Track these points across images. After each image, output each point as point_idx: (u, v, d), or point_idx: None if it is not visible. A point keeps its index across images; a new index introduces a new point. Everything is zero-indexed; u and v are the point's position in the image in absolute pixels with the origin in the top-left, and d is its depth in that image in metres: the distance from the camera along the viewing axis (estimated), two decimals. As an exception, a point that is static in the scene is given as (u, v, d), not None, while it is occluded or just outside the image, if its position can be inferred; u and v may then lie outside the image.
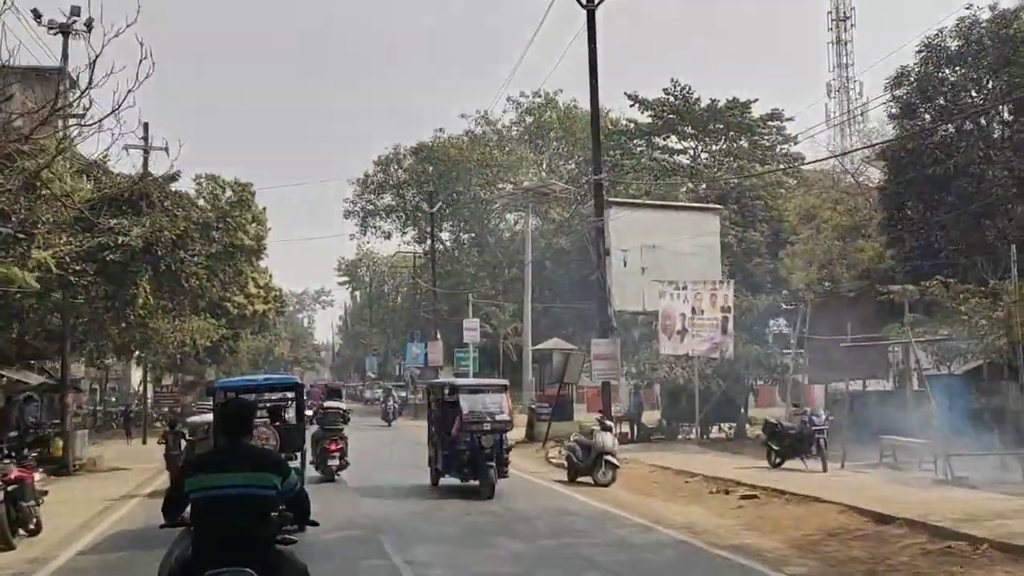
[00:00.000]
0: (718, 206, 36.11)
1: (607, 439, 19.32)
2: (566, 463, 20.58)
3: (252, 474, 5.40)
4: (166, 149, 34.49)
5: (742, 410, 28.95)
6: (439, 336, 52.69)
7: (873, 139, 34.07)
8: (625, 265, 32.80)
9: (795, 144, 66.77)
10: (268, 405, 16.21)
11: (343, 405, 23.56)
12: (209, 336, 39.89)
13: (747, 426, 28.69)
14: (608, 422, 20.26)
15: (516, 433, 23.88)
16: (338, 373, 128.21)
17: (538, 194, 42.35)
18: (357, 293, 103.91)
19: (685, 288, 27.21)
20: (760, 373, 28.43)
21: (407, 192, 66.89)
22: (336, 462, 20.31)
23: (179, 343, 36.67)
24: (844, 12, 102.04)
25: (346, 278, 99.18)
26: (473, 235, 63.16)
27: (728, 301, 25.91)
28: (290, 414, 16.66)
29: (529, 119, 63.69)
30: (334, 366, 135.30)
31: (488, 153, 60.93)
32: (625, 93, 60.94)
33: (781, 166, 54.56)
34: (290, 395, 16.56)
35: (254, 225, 47.84)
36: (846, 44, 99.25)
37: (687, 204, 37.29)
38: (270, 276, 49.42)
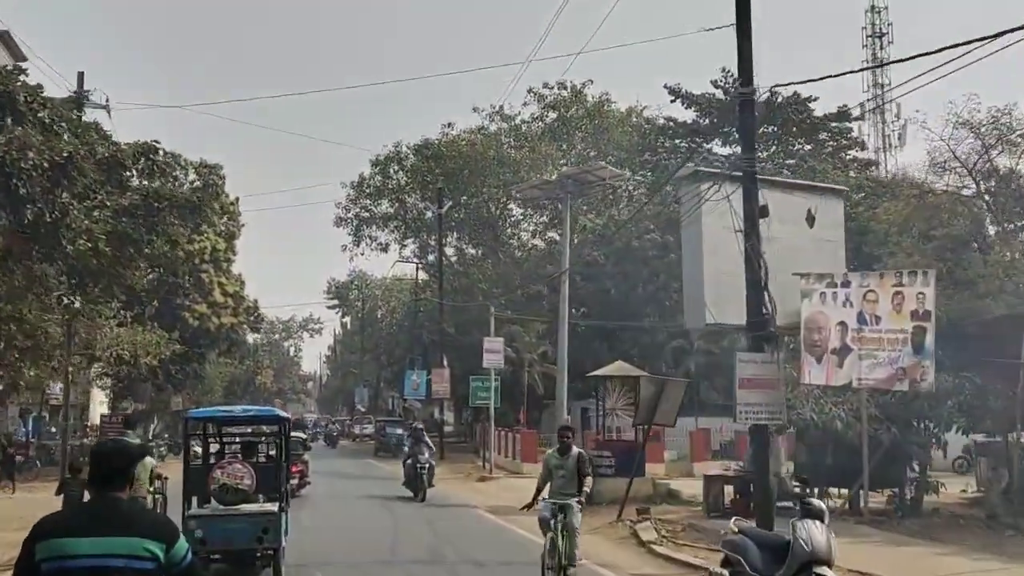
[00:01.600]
0: (842, 187, 27.34)
1: (815, 534, 10.08)
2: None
3: (123, 539, 4.14)
4: (106, 107, 25.54)
5: (912, 469, 19.68)
6: (445, 362, 43.54)
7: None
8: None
9: (862, 150, 58.54)
10: (240, 440, 14.99)
11: (304, 435, 28.99)
12: (155, 352, 30.64)
13: (926, 493, 19.46)
14: (816, 501, 10.86)
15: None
16: (325, 406, 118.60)
17: (579, 182, 33.38)
18: (347, 319, 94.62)
19: (847, 285, 18.14)
20: (954, 416, 19.05)
21: (409, 197, 58.00)
22: (296, 481, 22.59)
23: (113, 357, 27.51)
24: (880, 28, 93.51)
25: (335, 301, 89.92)
26: (484, 248, 54.12)
27: (927, 303, 16.77)
28: (268, 450, 15.56)
29: (552, 114, 54.98)
30: (321, 398, 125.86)
31: (505, 151, 52.16)
32: (666, 86, 52.47)
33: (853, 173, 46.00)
34: (273, 429, 15.12)
35: (223, 220, 38.97)
36: (882, 63, 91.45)
37: (807, 183, 28.41)
38: (241, 284, 40.34)
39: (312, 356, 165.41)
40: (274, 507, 12.40)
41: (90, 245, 15.39)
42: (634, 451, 23.60)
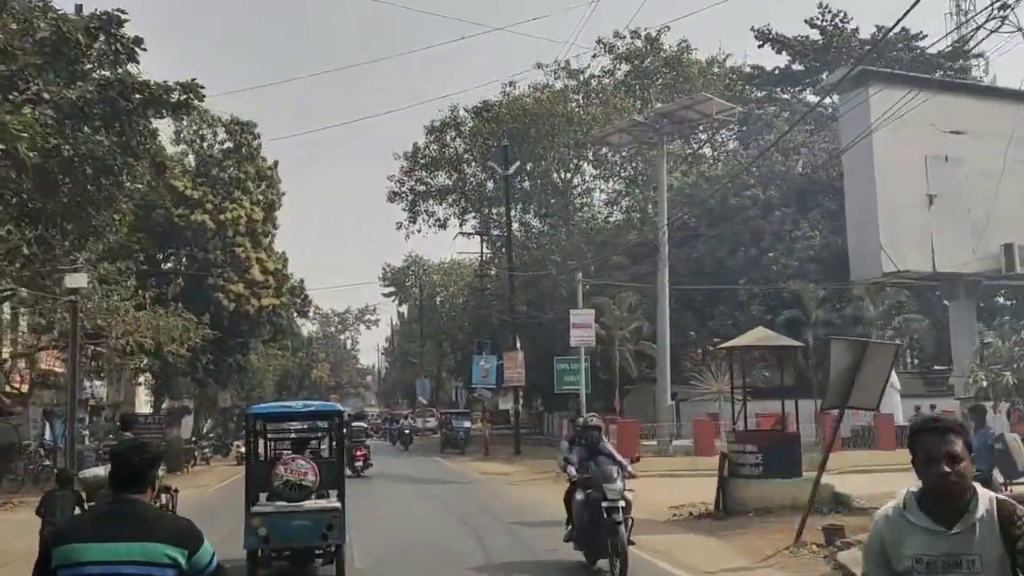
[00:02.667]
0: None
1: None
2: None
3: (139, 545, 3.92)
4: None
5: None
6: (519, 344, 38.16)
7: None
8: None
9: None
10: (294, 436, 14.48)
11: (365, 424, 36.41)
12: (182, 338, 25.69)
13: None
14: None
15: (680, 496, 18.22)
16: (384, 399, 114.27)
17: (676, 120, 27.72)
18: (405, 308, 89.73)
19: None
20: None
21: (468, 167, 52.72)
22: (360, 463, 28.35)
23: (122, 346, 22.65)
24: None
25: (391, 288, 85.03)
26: (553, 219, 48.51)
27: None
28: (327, 444, 15.01)
29: (625, 67, 49.17)
30: (380, 391, 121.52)
31: (574, 109, 46.57)
32: (753, 29, 46.42)
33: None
34: (332, 424, 14.21)
35: (260, 187, 33.96)
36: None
37: (1002, 87, 22.59)
38: (283, 261, 35.18)
39: (370, 349, 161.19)
40: (338, 503, 12.06)
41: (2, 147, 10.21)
42: (790, 444, 18.04)
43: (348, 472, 22.95)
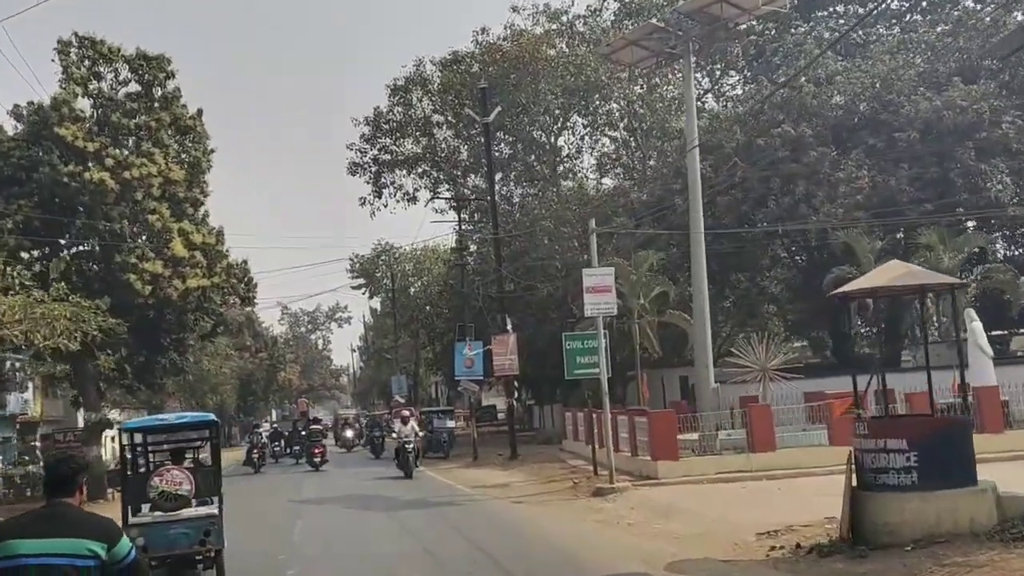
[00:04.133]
0: None
1: None
2: None
3: (66, 541, 4.66)
4: None
5: None
6: (509, 325, 31.68)
7: None
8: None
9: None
10: (168, 447, 14.78)
11: (321, 426, 38.65)
12: (69, 328, 19.06)
13: None
14: None
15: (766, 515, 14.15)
16: (360, 400, 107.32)
17: (706, 21, 21.29)
18: (377, 301, 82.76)
19: None
20: None
21: (439, 131, 46.11)
22: (318, 459, 33.27)
23: None
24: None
25: (361, 281, 78.02)
26: (541, 183, 41.89)
27: None
28: (202, 455, 16.10)
29: (615, 3, 42.68)
30: (356, 392, 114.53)
31: (560, 53, 40.08)
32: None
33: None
34: (204, 434, 14.84)
35: (180, 140, 27.13)
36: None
37: None
38: (217, 236, 28.25)
39: (344, 348, 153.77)
40: (215, 509, 12.46)
41: None
42: (959, 435, 11.69)
43: (307, 467, 33.71)
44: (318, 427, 36.82)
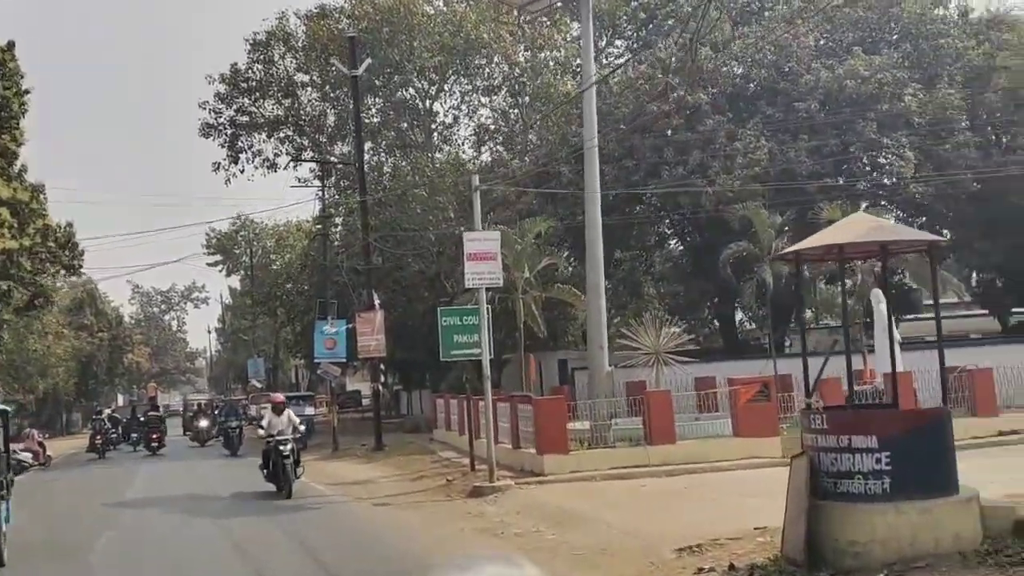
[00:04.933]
0: None
1: None
2: None
3: None
4: None
5: None
6: (377, 301, 28.48)
7: None
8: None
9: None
10: None
11: (160, 412, 38.28)
12: None
13: None
14: None
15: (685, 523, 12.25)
16: (217, 384, 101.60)
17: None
18: (236, 280, 77.71)
19: None
20: None
21: (303, 92, 42.29)
22: (156, 444, 33.66)
23: None
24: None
25: (218, 257, 73.02)
26: (415, 151, 38.57)
27: None
28: None
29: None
30: (212, 376, 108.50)
31: (440, 9, 36.98)
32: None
33: None
34: None
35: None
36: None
37: None
38: (31, 192, 23.74)
39: (202, 330, 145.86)
40: None
41: None
42: (936, 432, 9.27)
43: (144, 451, 34.01)
44: (156, 413, 36.82)
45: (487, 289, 18.06)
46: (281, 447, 17.95)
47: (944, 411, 9.61)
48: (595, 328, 19.10)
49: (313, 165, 42.58)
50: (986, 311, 33.22)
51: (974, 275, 35.19)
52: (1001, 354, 23.43)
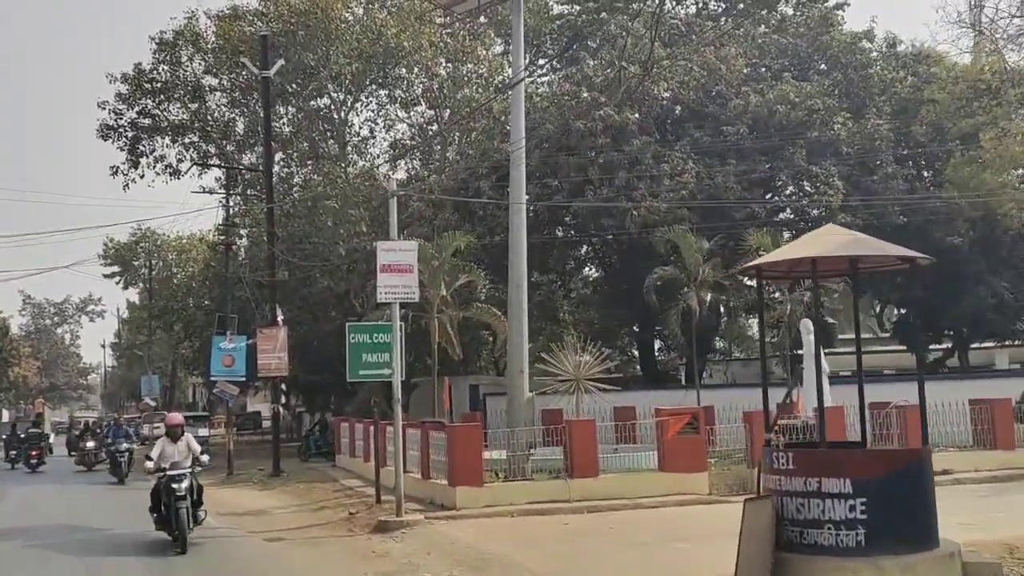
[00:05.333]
0: None
1: None
2: None
3: None
4: None
5: None
6: (281, 317, 26.66)
7: None
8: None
9: None
10: None
11: (41, 430, 37.34)
12: None
13: None
14: None
15: None
16: (111, 402, 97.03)
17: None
18: (135, 293, 74.18)
19: None
20: None
21: (211, 97, 40.18)
22: (35, 461, 32.76)
23: None
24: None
25: (116, 268, 69.52)
26: (328, 162, 36.79)
27: None
28: None
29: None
30: (106, 393, 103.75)
31: (359, 17, 35.44)
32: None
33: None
34: None
35: None
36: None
37: None
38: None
39: (96, 345, 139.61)
40: None
41: None
42: (916, 475, 8.13)
43: (25, 468, 32.88)
44: (37, 430, 36.34)
45: (400, 306, 16.53)
46: (175, 485, 13.90)
47: (925, 452, 8.50)
48: (516, 350, 17.73)
49: (219, 174, 40.36)
50: (903, 347, 32.90)
51: (890, 310, 34.99)
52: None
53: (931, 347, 33.69)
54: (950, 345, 33.70)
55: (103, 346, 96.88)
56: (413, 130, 40.74)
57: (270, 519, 18.20)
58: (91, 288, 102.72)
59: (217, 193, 35.55)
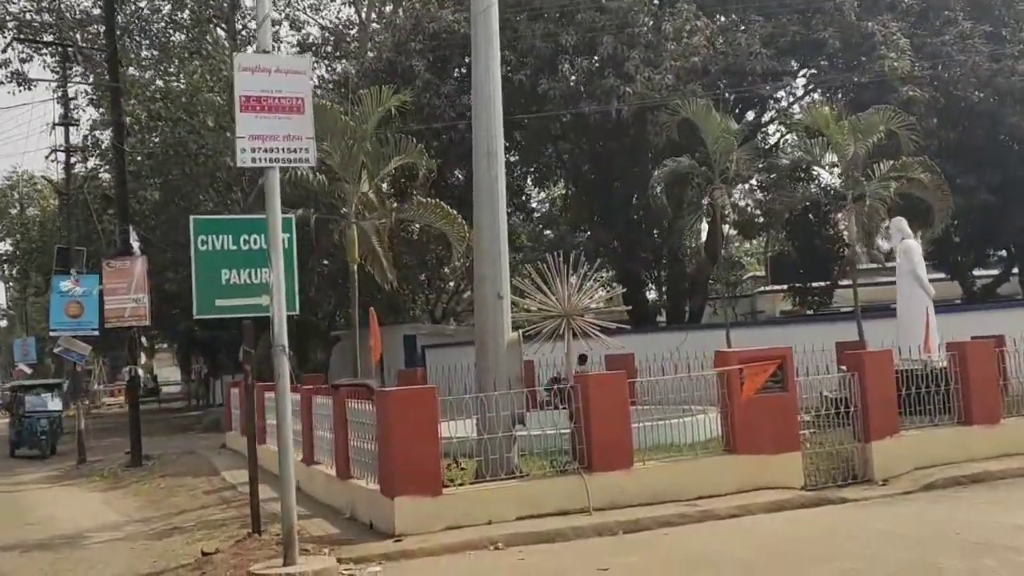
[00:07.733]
0: None
1: None
2: None
3: None
4: None
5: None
6: (137, 244, 18.93)
7: None
8: None
9: None
10: None
11: None
12: None
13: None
14: None
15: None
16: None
17: None
18: (10, 243, 64.05)
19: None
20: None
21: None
22: None
23: None
24: None
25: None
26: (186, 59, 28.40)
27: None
28: None
29: None
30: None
31: None
32: None
33: None
34: None
35: None
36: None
37: None
38: None
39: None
40: None
41: None
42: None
43: None
44: None
45: (298, 204, 9.00)
46: None
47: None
48: (488, 262, 10.26)
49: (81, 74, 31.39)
50: (946, 274, 26.26)
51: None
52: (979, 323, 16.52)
53: (974, 271, 27.42)
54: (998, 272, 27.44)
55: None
56: (324, 32, 33.16)
57: (82, 557, 10.66)
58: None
59: (46, 80, 27.20)
